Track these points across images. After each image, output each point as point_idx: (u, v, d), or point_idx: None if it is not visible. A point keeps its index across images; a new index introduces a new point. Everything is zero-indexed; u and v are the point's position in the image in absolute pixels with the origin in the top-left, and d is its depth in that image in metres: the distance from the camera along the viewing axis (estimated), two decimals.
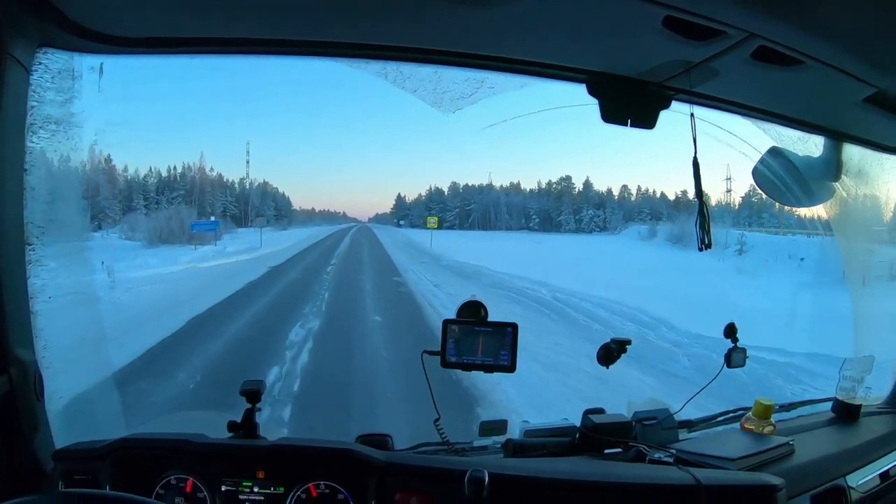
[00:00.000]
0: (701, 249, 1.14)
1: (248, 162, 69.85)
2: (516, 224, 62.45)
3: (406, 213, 69.85)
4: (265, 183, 60.74)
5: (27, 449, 1.09)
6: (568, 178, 64.38)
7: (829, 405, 1.69)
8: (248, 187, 55.58)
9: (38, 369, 1.11)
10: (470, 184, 67.52)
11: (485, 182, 67.75)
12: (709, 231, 1.14)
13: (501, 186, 66.24)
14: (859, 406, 1.65)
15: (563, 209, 61.33)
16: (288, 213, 62.61)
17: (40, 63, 1.11)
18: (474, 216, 64.56)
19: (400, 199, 73.86)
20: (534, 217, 62.37)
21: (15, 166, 1.06)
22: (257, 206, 56.70)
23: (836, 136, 1.51)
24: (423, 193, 70.06)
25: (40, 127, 1.15)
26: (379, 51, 1.08)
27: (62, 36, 1.05)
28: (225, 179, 55.00)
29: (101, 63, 1.18)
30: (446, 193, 67.87)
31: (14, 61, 1.01)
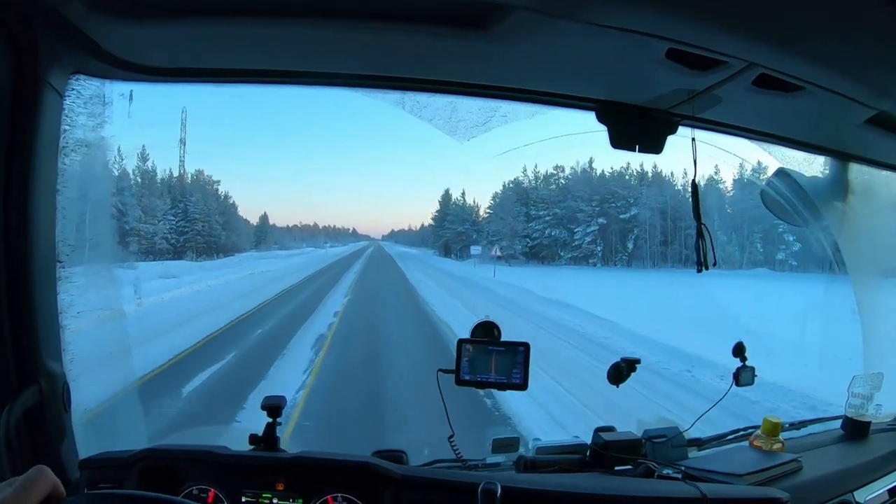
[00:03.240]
0: (699, 271, 1.16)
1: (182, 141, 30.46)
2: (754, 256, 28.82)
3: (469, 229, 36.93)
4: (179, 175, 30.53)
5: (54, 457, 1.13)
6: None
7: (838, 423, 1.70)
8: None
9: (66, 381, 1.15)
10: (584, 164, 33.41)
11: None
12: (706, 253, 1.16)
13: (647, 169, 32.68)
14: (869, 423, 1.65)
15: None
16: (234, 230, 34.91)
17: (73, 89, 1.16)
18: (641, 235, 31.19)
19: (450, 203, 39.22)
20: (789, 239, 27.81)
21: (48, 187, 1.12)
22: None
23: (840, 157, 1.54)
24: (510, 181, 35.90)
25: (72, 150, 1.21)
26: (396, 82, 1.14)
27: (95, 64, 1.11)
28: None
29: (132, 90, 1.25)
30: (557, 182, 33.83)
31: (49, 87, 1.07)
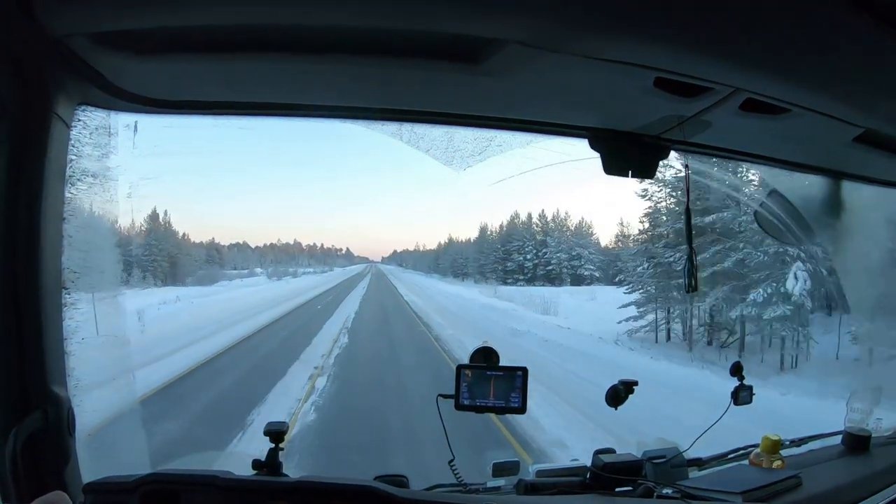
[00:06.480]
0: (688, 292, 1.19)
1: None
2: None
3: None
4: None
5: (58, 482, 1.13)
6: None
7: (839, 438, 1.69)
8: None
9: (71, 406, 1.17)
10: None
11: None
12: (696, 276, 1.19)
13: None
14: (869, 437, 1.64)
15: None
16: None
17: (80, 120, 1.19)
18: None
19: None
20: None
21: (55, 215, 1.14)
22: None
23: (831, 175, 1.56)
24: None
25: (78, 179, 1.23)
26: (393, 114, 1.17)
27: (100, 96, 1.14)
28: None
29: (136, 121, 1.28)
30: None
31: (57, 118, 1.10)
